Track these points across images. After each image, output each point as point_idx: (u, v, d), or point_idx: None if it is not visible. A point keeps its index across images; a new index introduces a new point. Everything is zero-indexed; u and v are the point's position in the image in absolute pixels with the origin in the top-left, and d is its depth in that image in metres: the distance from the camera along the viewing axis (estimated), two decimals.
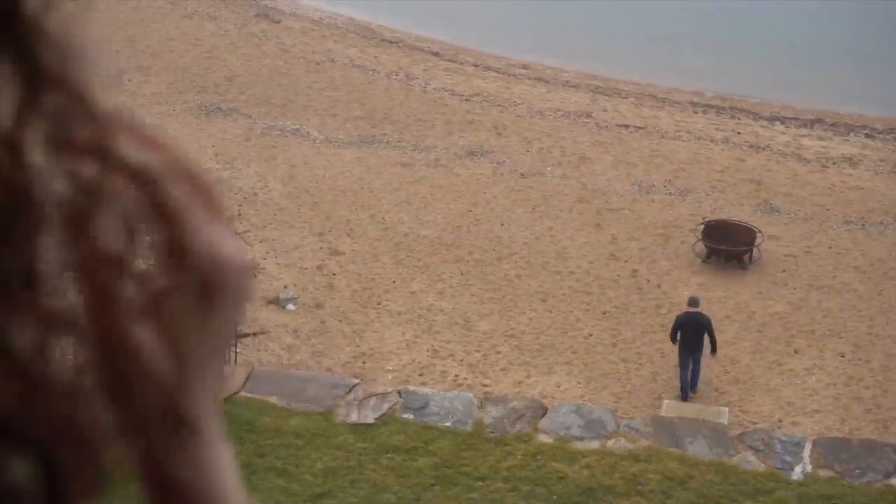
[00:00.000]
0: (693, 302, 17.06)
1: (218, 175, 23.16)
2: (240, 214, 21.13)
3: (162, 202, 0.53)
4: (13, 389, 0.50)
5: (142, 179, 0.52)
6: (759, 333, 18.59)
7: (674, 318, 17.32)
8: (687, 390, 16.80)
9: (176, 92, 27.08)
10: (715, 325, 17.05)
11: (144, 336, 0.54)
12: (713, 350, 16.95)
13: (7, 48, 0.46)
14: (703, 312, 17.06)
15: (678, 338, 16.80)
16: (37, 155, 0.49)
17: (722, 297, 19.60)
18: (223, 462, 0.61)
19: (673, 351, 17.20)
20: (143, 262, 0.55)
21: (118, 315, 0.54)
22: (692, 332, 16.71)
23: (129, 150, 0.52)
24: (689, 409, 15.65)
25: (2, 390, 0.49)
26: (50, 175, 0.50)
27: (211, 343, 0.60)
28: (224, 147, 24.60)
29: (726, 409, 16.07)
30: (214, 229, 0.55)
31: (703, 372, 17.12)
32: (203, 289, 0.55)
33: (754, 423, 15.92)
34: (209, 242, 0.54)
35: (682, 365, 16.78)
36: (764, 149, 26.48)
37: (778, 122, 28.18)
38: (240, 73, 28.86)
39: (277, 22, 33.42)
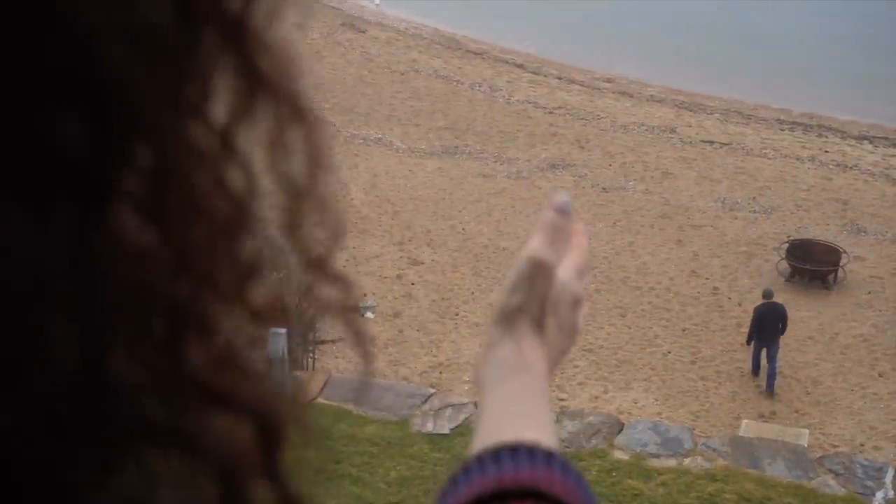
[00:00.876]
0: (768, 294, 17.47)
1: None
2: None
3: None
4: (224, 376, 0.55)
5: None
6: (842, 355, 18.28)
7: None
8: (759, 365, 17.24)
9: None
10: (797, 345, 17.03)
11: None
12: (782, 333, 17.27)
13: (232, 55, 0.51)
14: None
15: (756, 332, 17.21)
16: (253, 158, 0.54)
17: (805, 318, 19.32)
18: None
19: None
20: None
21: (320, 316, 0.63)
22: (770, 322, 17.02)
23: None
24: (769, 430, 15.43)
25: (212, 374, 0.54)
26: (262, 178, 0.55)
27: None
28: None
29: (806, 431, 15.81)
30: None
31: (783, 391, 16.97)
32: None
33: (835, 446, 15.65)
34: None
35: (756, 349, 17.26)
36: (851, 168, 26.10)
37: (866, 142, 27.76)
38: (324, 82, 29.10)
39: (363, 31, 33.71)
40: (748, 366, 17.55)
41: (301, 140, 0.56)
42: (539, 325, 1.11)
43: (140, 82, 0.46)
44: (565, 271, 1.13)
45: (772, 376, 17.08)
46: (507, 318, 1.11)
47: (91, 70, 0.45)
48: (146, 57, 0.47)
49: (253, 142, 0.54)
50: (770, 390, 17.01)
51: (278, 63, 0.53)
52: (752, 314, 17.56)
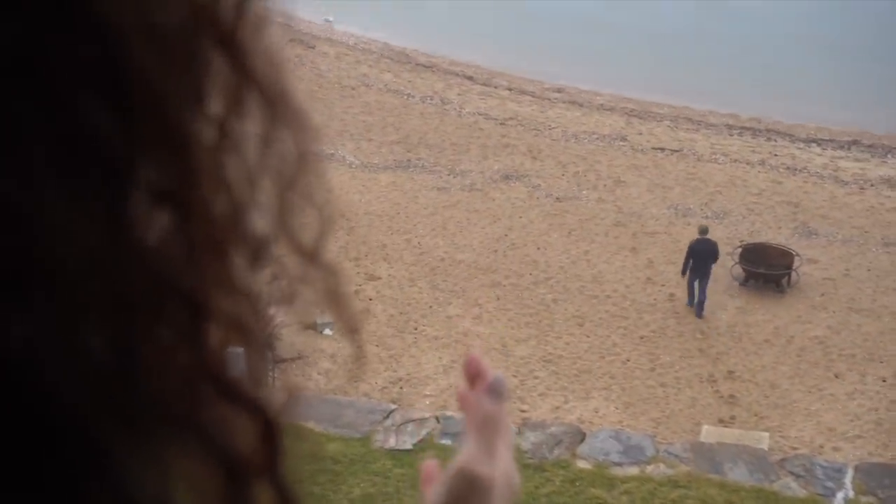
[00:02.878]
0: (703, 230, 19.65)
1: None
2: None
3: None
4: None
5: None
6: (798, 358, 18.44)
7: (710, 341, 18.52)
8: (694, 297, 19.44)
9: None
10: (754, 349, 17.31)
11: None
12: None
13: (225, 56, 0.55)
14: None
15: (689, 265, 19.34)
16: (249, 153, 0.58)
17: (760, 321, 19.48)
18: None
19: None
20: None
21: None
22: (703, 257, 19.18)
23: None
24: (729, 435, 15.52)
25: (222, 367, 0.57)
26: (257, 171, 0.58)
27: None
28: None
29: (766, 434, 15.93)
30: None
31: (742, 396, 17.13)
32: None
33: (795, 448, 15.77)
34: None
35: (690, 282, 19.50)
36: (801, 171, 26.37)
37: (814, 144, 28.06)
38: None
39: (312, 47, 33.62)
40: (706, 372, 17.72)
41: (289, 136, 0.59)
42: None
43: (156, 76, 0.51)
44: (503, 461, 0.98)
45: (701, 303, 19.32)
46: None
47: (118, 64, 0.50)
48: (161, 54, 0.51)
49: (246, 138, 0.57)
50: (699, 316, 19.23)
51: (267, 65, 0.58)
52: (686, 250, 19.71)
